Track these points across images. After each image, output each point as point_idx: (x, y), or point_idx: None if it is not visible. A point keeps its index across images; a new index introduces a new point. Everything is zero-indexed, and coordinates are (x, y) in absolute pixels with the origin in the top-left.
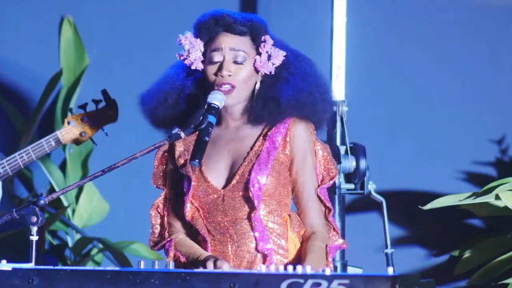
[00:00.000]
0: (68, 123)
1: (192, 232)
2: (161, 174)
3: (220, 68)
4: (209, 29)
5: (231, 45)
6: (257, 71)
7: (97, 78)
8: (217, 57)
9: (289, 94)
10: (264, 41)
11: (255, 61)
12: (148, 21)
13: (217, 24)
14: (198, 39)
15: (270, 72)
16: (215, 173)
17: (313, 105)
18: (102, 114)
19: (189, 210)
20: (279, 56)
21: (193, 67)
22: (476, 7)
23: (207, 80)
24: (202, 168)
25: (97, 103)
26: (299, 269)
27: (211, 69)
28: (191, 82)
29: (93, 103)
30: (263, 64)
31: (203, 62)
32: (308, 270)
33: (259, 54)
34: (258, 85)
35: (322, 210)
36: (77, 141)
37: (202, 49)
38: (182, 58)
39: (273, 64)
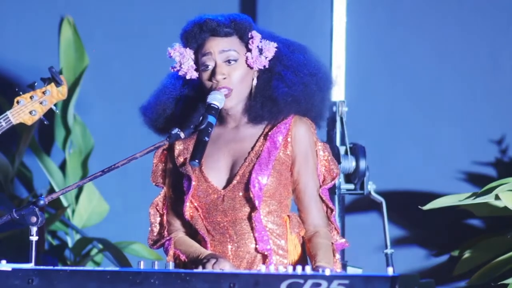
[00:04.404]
0: (18, 102)
1: (192, 232)
2: (160, 172)
3: (213, 73)
4: (195, 36)
5: (220, 47)
6: (251, 68)
7: (97, 78)
8: (208, 62)
9: (285, 91)
10: (252, 37)
11: (247, 58)
12: (148, 21)
13: (202, 30)
14: (187, 48)
15: (264, 66)
16: (216, 173)
17: (310, 97)
18: (51, 92)
19: (188, 209)
20: (270, 49)
21: (187, 77)
22: (476, 6)
23: (204, 86)
24: (202, 168)
25: (45, 81)
26: (299, 269)
27: (205, 76)
28: (188, 90)
29: (41, 81)
30: (255, 59)
31: (196, 70)
32: (308, 270)
33: (249, 51)
34: (255, 81)
35: (324, 210)
36: (28, 120)
37: (193, 57)
38: (175, 70)
39: (266, 58)
